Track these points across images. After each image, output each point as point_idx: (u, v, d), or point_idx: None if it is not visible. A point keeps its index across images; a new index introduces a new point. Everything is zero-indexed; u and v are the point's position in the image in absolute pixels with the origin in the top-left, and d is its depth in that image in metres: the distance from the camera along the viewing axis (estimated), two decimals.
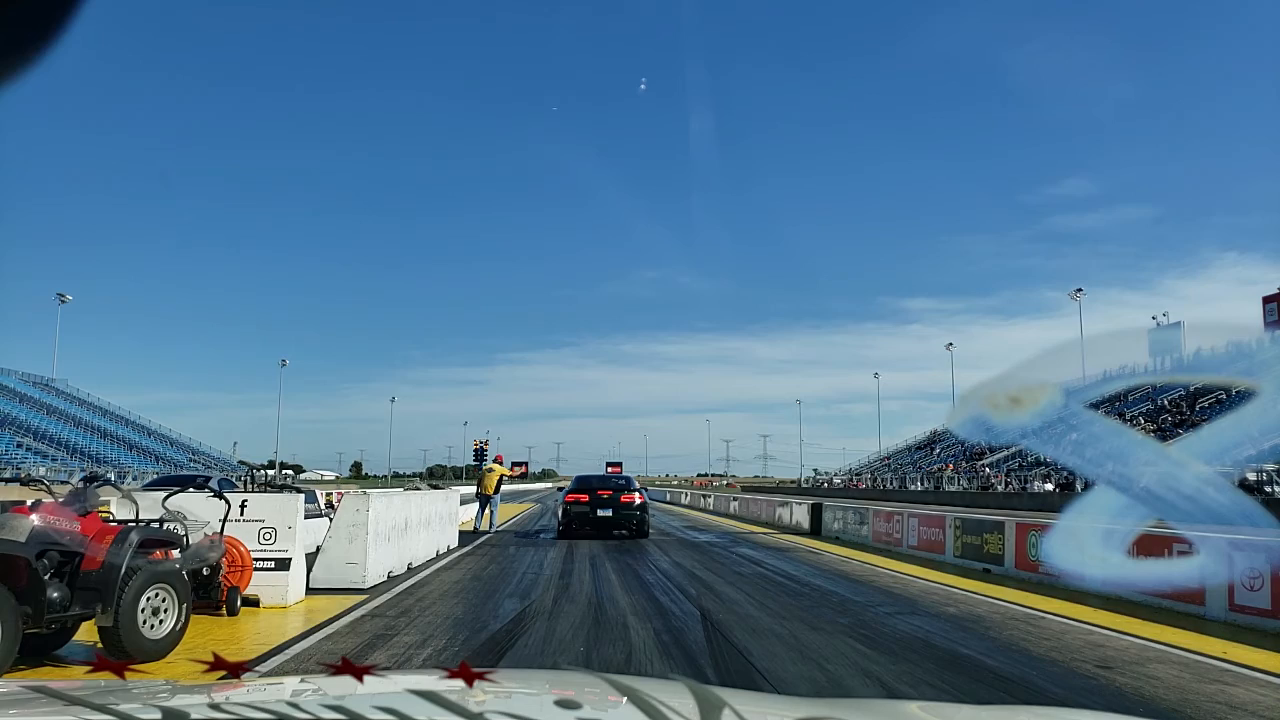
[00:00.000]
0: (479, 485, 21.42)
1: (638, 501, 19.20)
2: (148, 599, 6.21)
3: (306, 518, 10.02)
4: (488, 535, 19.53)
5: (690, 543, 18.61)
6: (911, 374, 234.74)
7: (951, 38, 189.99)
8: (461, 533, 17.67)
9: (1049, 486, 43.00)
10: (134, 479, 41.28)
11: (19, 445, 49.56)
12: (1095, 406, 1.54)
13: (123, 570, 5.97)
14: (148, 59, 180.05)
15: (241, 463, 68.68)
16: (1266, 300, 52.74)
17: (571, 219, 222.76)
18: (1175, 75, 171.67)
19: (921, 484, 61.85)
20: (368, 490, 12.37)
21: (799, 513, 24.35)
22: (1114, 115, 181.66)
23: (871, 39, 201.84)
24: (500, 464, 21.86)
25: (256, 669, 5.95)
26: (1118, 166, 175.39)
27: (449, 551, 15.16)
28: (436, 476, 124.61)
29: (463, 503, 19.25)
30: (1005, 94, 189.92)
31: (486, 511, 20.83)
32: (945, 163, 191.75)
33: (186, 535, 7.31)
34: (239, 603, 8.26)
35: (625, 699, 0.99)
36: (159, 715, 1.02)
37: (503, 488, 21.68)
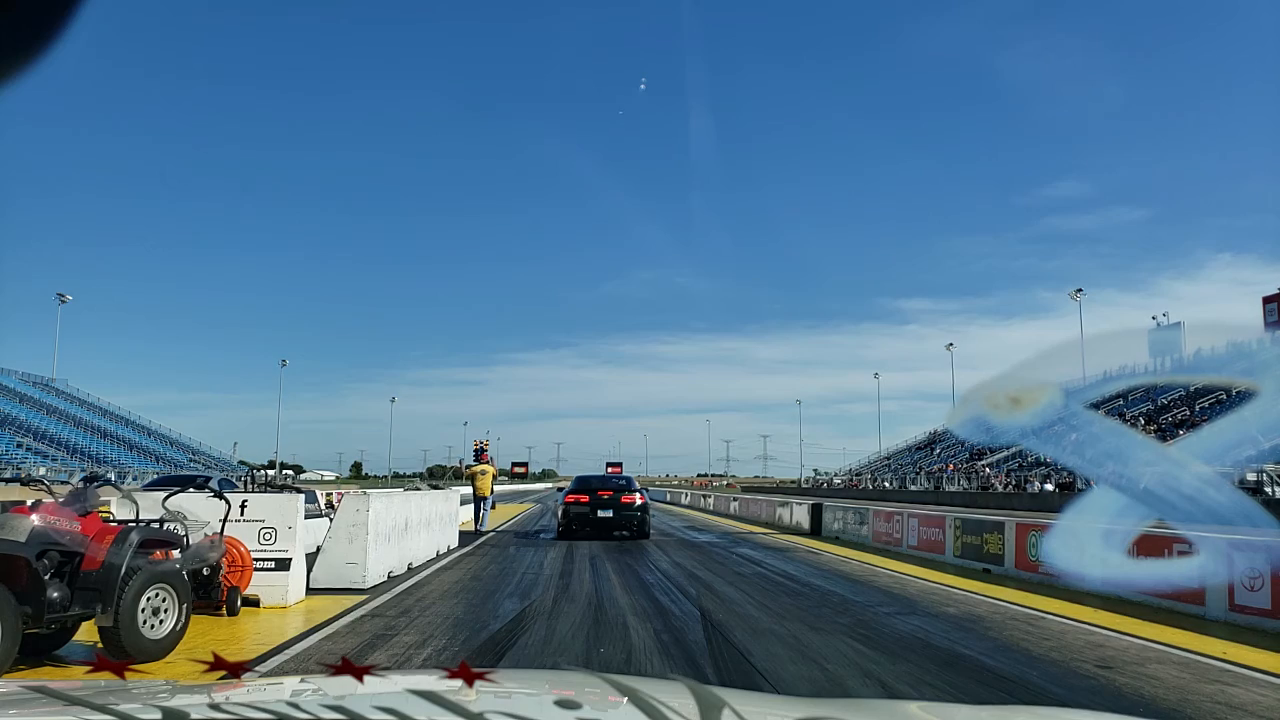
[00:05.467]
0: (473, 486, 21.32)
1: (638, 502, 19.15)
2: (148, 599, 6.21)
3: (306, 518, 10.01)
4: (488, 535, 19.53)
5: (690, 543, 18.61)
6: (909, 374, 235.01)
7: (946, 40, 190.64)
8: (461, 533, 17.67)
9: (1049, 486, 42.98)
10: (134, 479, 41.27)
11: (19, 445, 49.55)
12: (1095, 406, 1.54)
13: (123, 570, 5.97)
14: (148, 59, 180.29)
15: (241, 463, 68.70)
16: (1266, 300, 52.73)
17: (571, 219, 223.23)
18: (1167, 77, 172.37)
19: (921, 484, 61.84)
20: (368, 490, 12.37)
21: (799, 513, 24.35)
22: (1106, 117, 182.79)
23: (868, 40, 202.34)
24: (490, 463, 21.76)
25: (256, 669, 5.95)
26: (1111, 168, 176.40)
27: (449, 552, 15.16)
28: (436, 476, 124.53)
29: (462, 503, 19.24)
30: (999, 96, 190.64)
31: (481, 513, 20.73)
32: (940, 164, 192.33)
33: (187, 535, 7.31)
34: (239, 603, 8.25)
35: (625, 699, 0.99)
36: (159, 715, 1.02)
37: (497, 488, 21.62)
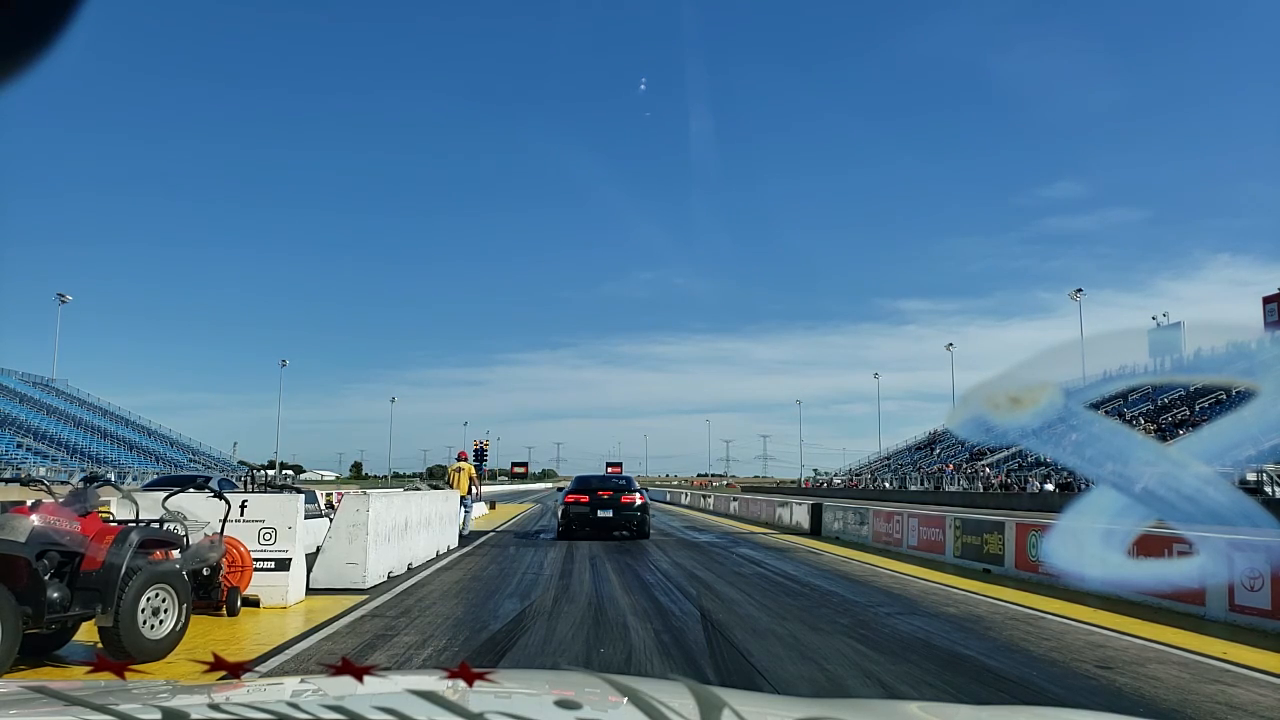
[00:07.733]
0: (451, 487, 20.55)
1: (638, 502, 19.13)
2: (148, 599, 6.21)
3: (306, 518, 10.01)
4: (487, 535, 19.47)
5: (690, 543, 18.60)
6: (909, 374, 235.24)
7: (945, 40, 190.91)
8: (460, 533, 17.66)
9: (1049, 486, 42.99)
10: (134, 479, 41.26)
11: (19, 445, 49.54)
12: (1095, 407, 1.54)
13: (123, 570, 5.97)
14: (148, 59, 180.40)
15: (241, 463, 68.67)
16: (1267, 300, 52.79)
17: (570, 219, 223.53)
18: (1165, 78, 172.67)
19: (921, 484, 61.83)
20: (368, 490, 12.36)
21: (799, 513, 24.34)
22: (1104, 118, 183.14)
23: (867, 41, 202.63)
24: (465, 460, 20.85)
25: (256, 669, 5.94)
26: (1109, 169, 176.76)
27: (449, 552, 15.16)
28: (436, 477, 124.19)
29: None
30: (997, 96, 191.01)
31: (461, 515, 20.11)
32: (939, 164, 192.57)
33: (187, 535, 7.31)
34: (239, 603, 8.25)
35: (625, 699, 0.99)
36: (159, 715, 1.02)
37: (479, 489, 20.36)
